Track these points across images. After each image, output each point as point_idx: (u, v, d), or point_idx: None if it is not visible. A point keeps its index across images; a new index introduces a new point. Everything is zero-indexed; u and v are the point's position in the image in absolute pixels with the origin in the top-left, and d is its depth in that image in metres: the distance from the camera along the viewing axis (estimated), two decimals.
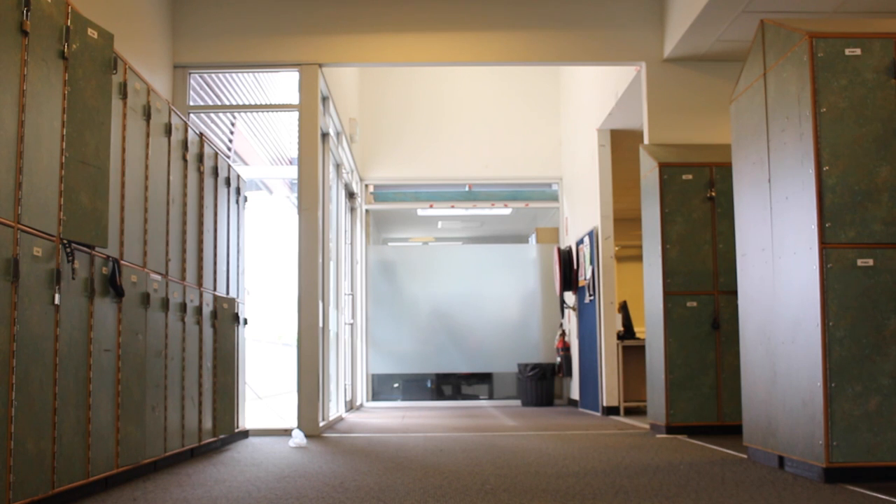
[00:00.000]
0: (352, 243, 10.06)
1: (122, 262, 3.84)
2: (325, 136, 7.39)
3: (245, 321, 6.10)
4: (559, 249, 10.02)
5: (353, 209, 10.18)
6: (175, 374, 4.56)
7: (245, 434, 6.13)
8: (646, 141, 6.78)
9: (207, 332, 5.15)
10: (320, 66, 6.82)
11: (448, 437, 5.99)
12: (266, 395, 9.35)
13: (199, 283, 5.07)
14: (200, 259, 5.11)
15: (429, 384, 11.40)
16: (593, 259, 8.56)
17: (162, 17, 6.40)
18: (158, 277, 4.33)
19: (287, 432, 6.22)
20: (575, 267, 9.55)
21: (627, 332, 8.29)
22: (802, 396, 3.79)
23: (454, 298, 10.95)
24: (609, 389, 8.14)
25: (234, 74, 7.77)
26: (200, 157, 5.13)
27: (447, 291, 10.96)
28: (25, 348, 2.92)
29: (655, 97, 6.80)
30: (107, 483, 3.65)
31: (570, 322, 9.97)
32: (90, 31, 3.45)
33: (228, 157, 6.95)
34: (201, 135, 5.22)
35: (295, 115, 6.76)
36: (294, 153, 7.98)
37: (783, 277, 4.01)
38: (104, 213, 3.49)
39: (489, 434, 6.25)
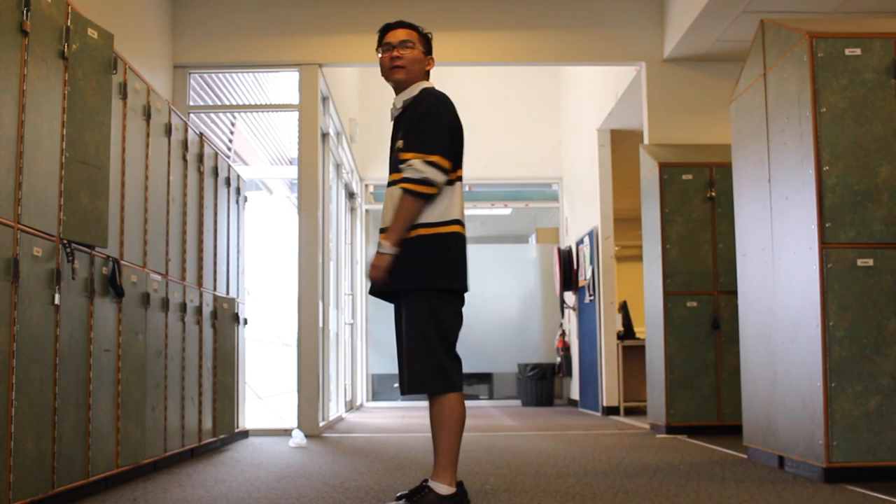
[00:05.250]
0: (352, 243, 10.05)
1: (122, 262, 3.84)
2: (325, 136, 7.39)
3: (245, 321, 6.10)
4: (559, 249, 10.02)
5: (353, 209, 10.18)
6: (175, 374, 4.56)
7: (245, 434, 6.13)
8: (646, 141, 6.78)
9: (207, 332, 5.15)
10: (320, 66, 6.82)
11: None
12: (266, 395, 9.34)
13: (199, 283, 5.06)
14: (200, 259, 5.10)
15: None
16: (593, 259, 8.56)
17: (162, 17, 6.40)
18: (158, 277, 4.33)
19: (287, 432, 6.22)
20: (575, 267, 9.55)
21: (627, 332, 8.28)
22: (802, 396, 3.79)
23: None
24: (609, 389, 8.14)
25: (234, 74, 7.77)
26: (200, 157, 5.13)
27: None
28: (25, 348, 2.92)
29: (655, 97, 6.79)
30: (107, 483, 3.65)
31: (570, 322, 9.97)
32: (90, 31, 3.45)
33: (228, 157, 6.95)
34: (201, 135, 5.22)
35: (295, 115, 6.76)
36: (294, 153, 7.98)
37: (783, 277, 4.01)
38: (104, 213, 3.49)
39: (489, 434, 6.25)
